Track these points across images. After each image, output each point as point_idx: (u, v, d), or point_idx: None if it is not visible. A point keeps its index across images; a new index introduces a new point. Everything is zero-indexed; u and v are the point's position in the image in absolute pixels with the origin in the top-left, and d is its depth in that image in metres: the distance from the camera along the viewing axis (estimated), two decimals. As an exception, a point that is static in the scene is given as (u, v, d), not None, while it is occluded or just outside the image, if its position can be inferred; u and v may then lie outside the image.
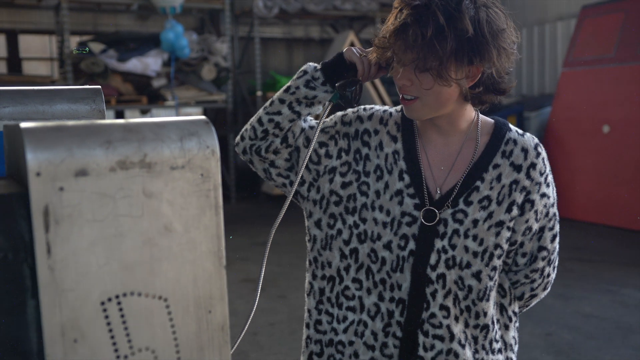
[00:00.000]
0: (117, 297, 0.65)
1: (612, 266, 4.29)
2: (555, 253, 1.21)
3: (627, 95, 6.04)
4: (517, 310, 1.23)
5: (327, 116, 1.23)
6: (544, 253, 1.19)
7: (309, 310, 1.27)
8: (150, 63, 6.92)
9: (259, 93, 8.02)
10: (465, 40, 1.03)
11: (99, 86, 1.02)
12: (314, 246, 1.25)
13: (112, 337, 0.65)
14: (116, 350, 0.65)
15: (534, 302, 1.26)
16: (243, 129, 1.25)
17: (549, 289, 1.26)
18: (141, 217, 0.65)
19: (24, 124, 0.61)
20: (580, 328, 3.50)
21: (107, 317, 0.64)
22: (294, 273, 4.54)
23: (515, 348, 1.24)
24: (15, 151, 0.68)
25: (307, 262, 1.27)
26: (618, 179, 5.94)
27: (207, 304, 0.71)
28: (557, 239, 1.20)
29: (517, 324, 1.23)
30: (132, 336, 0.66)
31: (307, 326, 1.27)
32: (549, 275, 1.22)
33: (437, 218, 1.13)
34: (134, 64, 6.82)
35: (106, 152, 0.63)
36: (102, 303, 0.64)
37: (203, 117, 0.72)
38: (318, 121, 1.19)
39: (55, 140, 0.61)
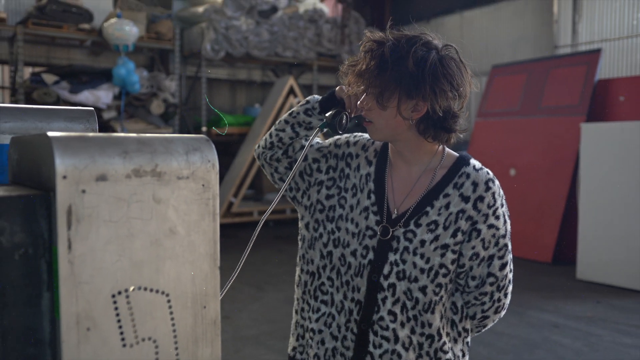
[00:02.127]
0: (126, 290, 0.67)
1: (520, 291, 4.50)
2: (506, 280, 1.24)
3: (529, 143, 6.44)
4: (468, 327, 1.28)
5: (327, 138, 1.34)
6: (492, 279, 1.22)
7: (297, 299, 1.36)
8: (101, 96, 6.77)
9: (204, 128, 7.98)
10: (406, 75, 1.12)
11: (92, 108, 1.03)
12: (303, 244, 1.34)
13: (120, 327, 0.66)
14: (123, 340, 0.67)
15: (489, 323, 1.30)
16: (262, 139, 1.39)
17: (502, 313, 1.29)
18: (150, 220, 0.68)
19: (51, 133, 0.63)
20: (494, 344, 3.64)
21: (116, 309, 0.66)
22: (237, 296, 4.49)
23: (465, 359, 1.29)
24: (34, 158, 0.69)
25: (298, 257, 1.37)
26: (524, 216, 6.25)
27: (203, 300, 0.74)
28: (508, 268, 1.24)
29: (467, 339, 1.28)
30: (137, 327, 0.68)
31: (296, 312, 1.37)
32: (499, 299, 1.25)
33: (391, 234, 1.20)
34: (86, 96, 6.66)
35: (123, 161, 0.66)
36: (113, 296, 0.66)
37: (204, 135, 0.76)
38: (313, 140, 1.29)
39: (79, 148, 0.63)
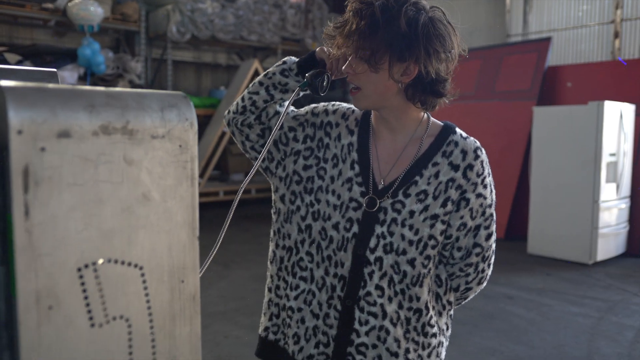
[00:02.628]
0: (93, 264, 0.56)
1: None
2: (491, 251, 1.18)
3: (484, 126, 6.47)
4: (452, 300, 1.21)
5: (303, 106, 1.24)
6: (478, 249, 1.16)
7: (271, 276, 1.24)
8: (66, 76, 6.44)
9: (170, 110, 7.72)
10: (399, 35, 1.02)
11: (55, 69, 0.91)
12: (278, 218, 1.22)
13: (88, 304, 0.56)
14: (91, 319, 0.56)
15: (471, 295, 1.24)
16: (233, 104, 1.26)
17: (485, 283, 1.23)
18: (121, 184, 0.58)
19: (4, 82, 0.52)
20: (453, 316, 3.65)
21: (83, 284, 0.56)
22: (204, 274, 4.36)
23: (447, 333, 1.23)
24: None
25: (272, 232, 1.25)
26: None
27: (181, 273, 0.64)
28: (493, 238, 1.18)
29: (451, 312, 1.22)
30: (107, 304, 0.58)
31: (270, 290, 1.25)
32: (483, 270, 1.19)
33: (378, 206, 1.11)
34: (50, 76, 6.32)
35: (90, 116, 0.55)
36: (79, 269, 0.55)
37: (180, 92, 0.65)
38: (290, 103, 1.18)
39: (38, 100, 0.52)
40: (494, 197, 1.17)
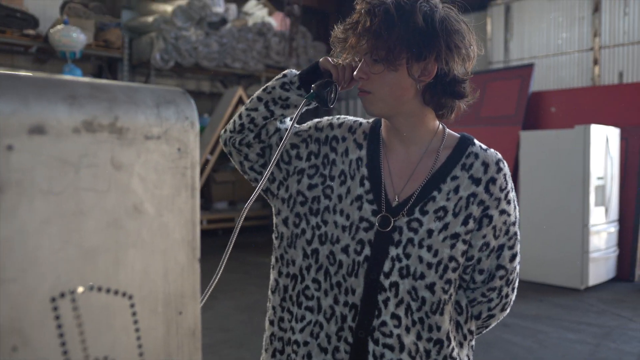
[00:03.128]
0: (71, 292, 0.45)
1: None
2: (515, 273, 1.08)
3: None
4: (473, 329, 1.10)
5: (305, 122, 1.14)
6: (502, 272, 1.06)
7: (273, 308, 1.12)
8: (46, 103, 6.31)
9: (153, 137, 7.60)
10: (416, 31, 0.95)
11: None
12: (281, 243, 1.11)
13: (63, 343, 0.45)
14: (67, 361, 0.45)
15: (493, 323, 1.13)
16: (229, 122, 1.17)
17: (508, 310, 1.12)
18: (107, 193, 0.47)
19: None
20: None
21: (57, 317, 0.45)
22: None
23: None
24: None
25: (274, 260, 1.13)
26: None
27: (178, 303, 0.53)
28: (518, 259, 1.08)
29: (472, 343, 1.11)
30: (88, 343, 0.46)
31: (272, 323, 1.12)
32: (507, 295, 1.09)
33: (392, 225, 1.02)
34: (29, 103, 6.18)
35: (70, 109, 0.45)
36: (53, 299, 0.44)
37: (179, 88, 0.56)
38: (294, 119, 1.07)
39: (7, 88, 0.42)
40: (517, 214, 1.08)
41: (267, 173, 1.00)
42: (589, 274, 4.94)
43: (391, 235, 1.01)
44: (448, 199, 1.02)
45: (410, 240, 1.01)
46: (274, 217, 1.14)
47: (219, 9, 8.35)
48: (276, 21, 9.57)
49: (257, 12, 9.32)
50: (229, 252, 0.93)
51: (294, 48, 9.55)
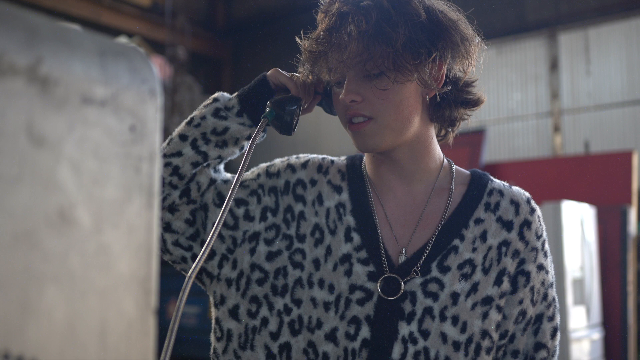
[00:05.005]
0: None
1: None
2: (556, 356, 1.04)
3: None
4: None
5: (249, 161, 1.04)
6: (543, 353, 1.02)
7: None
8: None
9: None
10: (418, 25, 0.94)
11: None
12: (229, 345, 1.00)
13: None
14: None
15: None
16: None
17: None
18: (18, 184, 0.37)
19: None
20: None
21: None
22: None
23: None
24: None
25: None
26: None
27: (121, 382, 0.42)
28: (558, 336, 1.05)
29: None
30: None
31: None
32: None
33: (402, 291, 0.95)
34: None
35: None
36: None
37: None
38: (245, 157, 0.96)
39: None
40: (553, 272, 1.08)
41: (206, 246, 0.84)
42: (571, 395, 5.05)
43: (400, 306, 0.95)
44: (474, 250, 1.00)
45: (428, 311, 0.95)
46: (213, 310, 1.04)
47: (76, 47, 8.28)
48: (155, 68, 9.60)
49: (128, 55, 9.34)
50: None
51: (177, 103, 9.57)
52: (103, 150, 0.41)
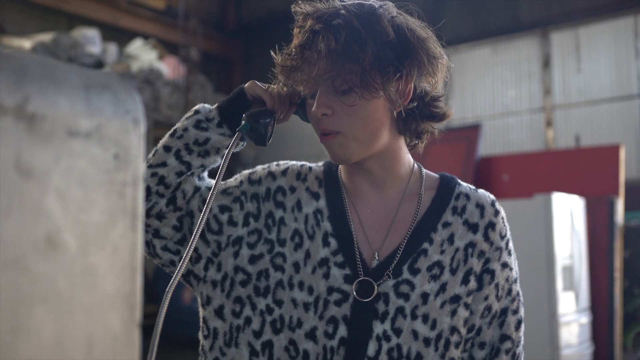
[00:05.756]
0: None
1: None
2: (521, 346, 1.06)
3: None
4: None
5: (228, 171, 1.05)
6: (508, 344, 1.03)
7: None
8: None
9: None
10: (386, 44, 0.94)
11: None
12: (215, 343, 1.01)
13: None
14: None
15: None
16: None
17: None
18: (8, 214, 0.38)
19: None
20: None
21: None
22: None
23: None
24: None
25: None
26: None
27: (107, 393, 0.43)
28: (523, 327, 1.06)
29: None
30: None
31: None
32: None
33: (375, 292, 0.96)
34: None
35: (-43, 76, 0.36)
36: None
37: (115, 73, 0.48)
38: (221, 167, 0.99)
39: None
40: (517, 268, 1.09)
41: (189, 248, 0.88)
42: (561, 376, 5.05)
43: (374, 307, 0.96)
44: (443, 252, 1.01)
45: (400, 310, 0.96)
46: (201, 309, 1.05)
47: (94, 48, 8.28)
48: (168, 67, 9.59)
49: (144, 55, 9.32)
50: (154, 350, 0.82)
51: (191, 101, 9.56)
52: (88, 178, 0.42)
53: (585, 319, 5.46)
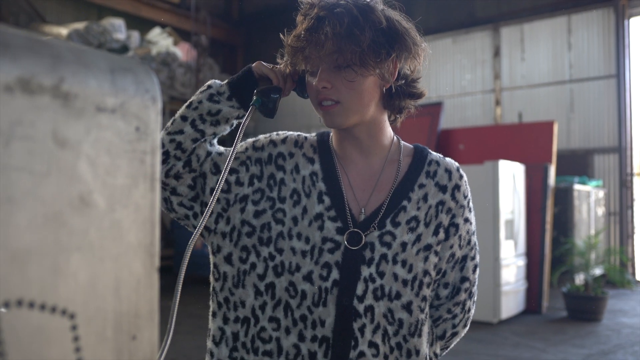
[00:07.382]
0: (-7, 308, 0.34)
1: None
2: (476, 286, 1.07)
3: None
4: (438, 351, 1.06)
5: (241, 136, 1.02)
6: (467, 284, 1.04)
7: None
8: None
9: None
10: (380, 30, 0.93)
11: None
12: (225, 285, 1.00)
13: (-20, 380, 0.34)
14: (-16, 405, 0.34)
15: (455, 340, 1.10)
16: None
17: (469, 325, 1.10)
18: (47, 177, 0.37)
19: None
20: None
21: (-27, 343, 0.33)
22: None
23: None
24: None
25: (216, 305, 1.01)
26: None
27: (132, 325, 0.43)
28: (478, 271, 1.07)
29: None
30: (14, 378, 0.35)
31: None
32: (469, 309, 1.08)
33: (363, 242, 0.95)
34: None
35: (1, 59, 0.35)
36: (-33, 318, 0.33)
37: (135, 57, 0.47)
38: (238, 135, 0.95)
39: None
40: (474, 222, 1.09)
41: (208, 208, 0.87)
42: (501, 307, 5.15)
43: (362, 253, 0.95)
44: (419, 208, 1.00)
45: (383, 257, 0.96)
46: (212, 257, 1.03)
47: (120, 35, 8.10)
48: (182, 51, 9.42)
49: (162, 41, 9.14)
50: (176, 307, 0.82)
51: (201, 80, 9.43)
52: (114, 147, 0.41)
53: (521, 262, 5.55)
